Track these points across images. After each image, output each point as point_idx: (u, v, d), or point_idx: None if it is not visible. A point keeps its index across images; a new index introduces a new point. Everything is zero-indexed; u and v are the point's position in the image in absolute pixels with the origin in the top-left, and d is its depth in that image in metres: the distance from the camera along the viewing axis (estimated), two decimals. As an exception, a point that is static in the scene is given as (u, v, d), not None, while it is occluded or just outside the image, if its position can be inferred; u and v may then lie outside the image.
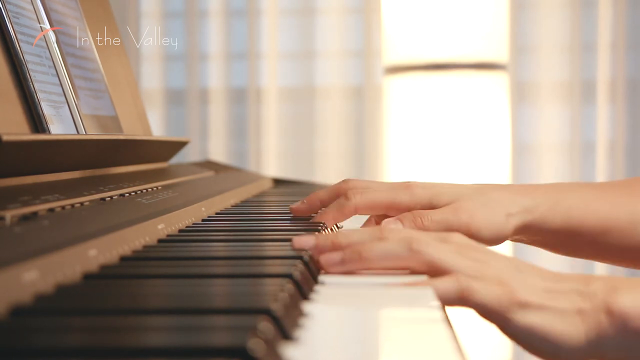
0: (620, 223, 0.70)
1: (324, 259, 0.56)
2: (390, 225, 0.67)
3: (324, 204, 0.75)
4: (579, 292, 0.54)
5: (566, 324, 0.53)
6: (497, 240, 0.70)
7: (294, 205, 0.77)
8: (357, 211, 0.72)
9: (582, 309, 0.54)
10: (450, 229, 0.67)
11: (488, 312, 0.53)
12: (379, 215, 0.74)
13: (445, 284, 0.52)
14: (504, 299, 0.53)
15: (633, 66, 2.08)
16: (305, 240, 0.57)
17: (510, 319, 0.53)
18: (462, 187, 0.72)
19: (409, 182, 0.73)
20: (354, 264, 0.55)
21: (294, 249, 0.57)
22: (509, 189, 0.72)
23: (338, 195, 0.74)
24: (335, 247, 0.57)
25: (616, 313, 0.53)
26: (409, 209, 0.70)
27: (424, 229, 0.67)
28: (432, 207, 0.70)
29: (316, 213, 0.76)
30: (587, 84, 2.08)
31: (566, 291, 0.54)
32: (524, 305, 0.53)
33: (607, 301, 0.54)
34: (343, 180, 0.76)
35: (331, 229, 0.74)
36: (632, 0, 2.08)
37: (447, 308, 0.53)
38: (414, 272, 0.56)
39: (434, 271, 0.55)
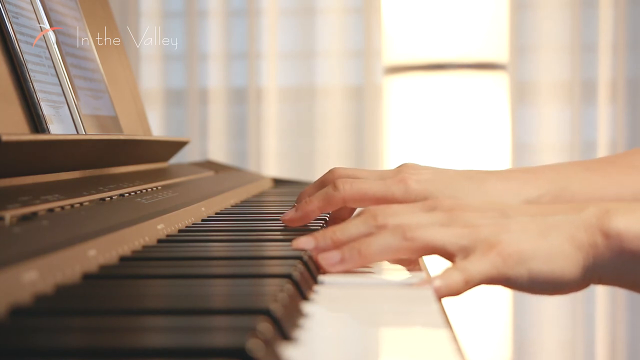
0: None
1: (324, 259, 0.55)
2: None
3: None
4: (571, 221, 0.55)
5: (562, 258, 0.54)
6: None
7: (286, 216, 0.70)
8: (344, 203, 0.68)
9: (575, 236, 0.54)
10: None
11: (490, 280, 0.54)
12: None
13: (449, 280, 0.52)
14: (499, 261, 0.53)
15: (633, 66, 2.08)
16: (305, 241, 0.57)
17: (510, 276, 0.53)
18: (460, 184, 0.68)
19: (401, 169, 0.69)
20: (354, 262, 0.55)
21: (294, 250, 0.57)
22: (511, 177, 0.69)
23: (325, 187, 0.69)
24: (335, 246, 0.56)
25: (613, 235, 0.54)
26: (401, 203, 0.66)
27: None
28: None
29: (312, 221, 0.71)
30: (588, 84, 2.08)
31: (557, 223, 0.55)
32: (519, 257, 0.53)
33: (602, 224, 0.54)
34: (329, 171, 0.71)
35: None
36: (633, 0, 2.08)
37: (446, 308, 0.53)
38: (413, 259, 0.56)
39: (431, 253, 0.55)
